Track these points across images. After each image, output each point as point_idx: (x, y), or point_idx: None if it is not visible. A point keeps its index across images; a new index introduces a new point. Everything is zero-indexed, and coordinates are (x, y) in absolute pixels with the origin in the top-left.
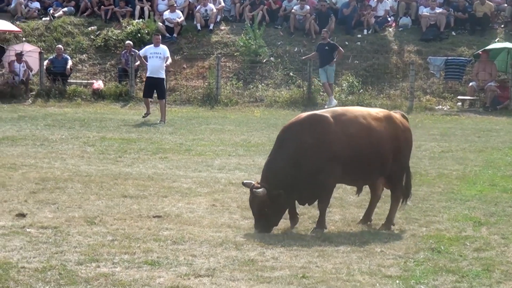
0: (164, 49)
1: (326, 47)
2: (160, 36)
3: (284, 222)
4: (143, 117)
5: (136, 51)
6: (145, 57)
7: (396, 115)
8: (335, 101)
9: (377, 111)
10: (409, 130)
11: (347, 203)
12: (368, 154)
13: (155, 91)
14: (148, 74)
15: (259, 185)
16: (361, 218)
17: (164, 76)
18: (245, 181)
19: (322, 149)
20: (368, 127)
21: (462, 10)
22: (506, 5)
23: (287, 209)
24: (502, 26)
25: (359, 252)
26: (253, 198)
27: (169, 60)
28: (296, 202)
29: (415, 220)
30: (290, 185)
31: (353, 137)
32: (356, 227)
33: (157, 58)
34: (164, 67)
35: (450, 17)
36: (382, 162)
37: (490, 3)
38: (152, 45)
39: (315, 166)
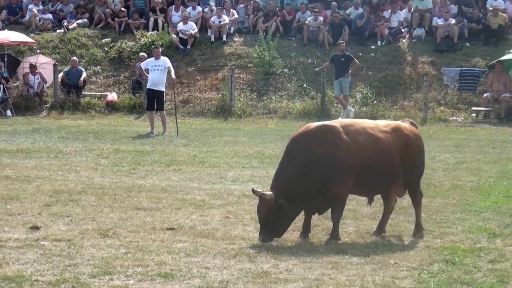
0: (165, 60)
1: (342, 59)
2: (160, 49)
3: (297, 234)
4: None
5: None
6: (147, 70)
7: (405, 124)
8: (353, 110)
9: (385, 124)
10: (420, 138)
11: (360, 214)
12: (377, 164)
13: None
14: (148, 86)
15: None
16: (374, 229)
17: (164, 89)
18: (255, 189)
19: (333, 159)
20: (376, 138)
21: (476, 21)
22: None
23: (293, 221)
24: None
25: (373, 264)
26: (260, 205)
27: (172, 71)
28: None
29: (429, 232)
30: (299, 194)
31: (362, 147)
32: (369, 239)
33: (158, 71)
34: (165, 80)
35: (464, 28)
36: (391, 173)
37: (504, 14)
38: (153, 58)
39: (325, 176)
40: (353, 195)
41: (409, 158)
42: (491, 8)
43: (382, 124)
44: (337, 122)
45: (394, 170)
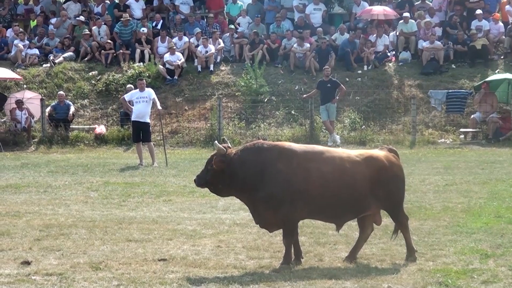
0: (149, 92)
1: (328, 84)
2: (144, 81)
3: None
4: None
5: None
6: (131, 102)
7: (381, 152)
8: (338, 137)
9: (357, 154)
10: (396, 164)
11: (352, 239)
12: (339, 194)
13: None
14: (133, 118)
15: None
16: (346, 255)
17: (149, 121)
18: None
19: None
20: (342, 168)
21: (461, 43)
22: (504, 36)
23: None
24: (502, 57)
25: None
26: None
27: (158, 102)
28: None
29: (421, 255)
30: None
31: (323, 174)
32: (362, 264)
33: (143, 103)
34: (150, 112)
35: (449, 50)
36: (357, 203)
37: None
38: (138, 89)
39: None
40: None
41: (382, 186)
42: (475, 31)
43: (355, 154)
44: (302, 147)
45: (360, 200)
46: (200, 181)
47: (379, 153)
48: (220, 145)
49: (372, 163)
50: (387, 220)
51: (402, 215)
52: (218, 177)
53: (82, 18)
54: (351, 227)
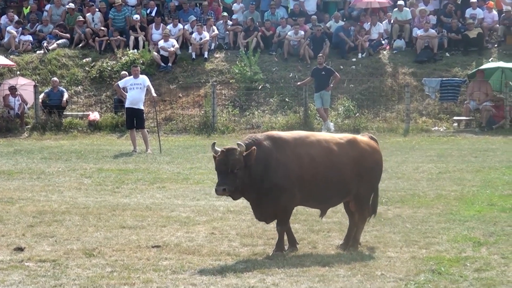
0: (144, 79)
1: (323, 72)
2: (138, 68)
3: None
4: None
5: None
6: (125, 89)
7: (363, 138)
8: (331, 124)
9: (341, 136)
10: (378, 151)
11: (346, 227)
12: (329, 176)
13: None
14: (127, 105)
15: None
16: (340, 243)
17: (143, 107)
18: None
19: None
20: (329, 150)
21: (455, 31)
22: (498, 25)
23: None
24: (496, 45)
25: (359, 275)
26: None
27: (152, 89)
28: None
29: (414, 242)
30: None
31: (314, 159)
32: (355, 251)
33: (137, 89)
34: (144, 99)
35: (443, 38)
36: (343, 185)
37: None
38: (132, 76)
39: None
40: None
41: (364, 171)
42: (471, 20)
43: (338, 136)
44: (289, 134)
45: (346, 182)
46: (231, 187)
47: (361, 137)
48: (241, 142)
49: (356, 145)
50: (380, 208)
51: (368, 207)
52: (243, 178)
53: (72, 5)
54: (344, 215)
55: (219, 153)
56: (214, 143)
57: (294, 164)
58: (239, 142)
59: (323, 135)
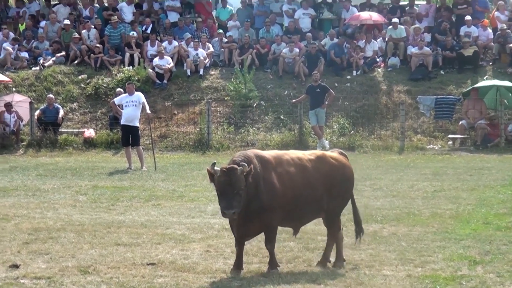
0: (139, 96)
1: (318, 89)
2: (133, 84)
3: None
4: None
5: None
6: (120, 106)
7: (333, 153)
8: (327, 142)
9: (310, 153)
10: (348, 166)
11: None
12: (305, 194)
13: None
14: (122, 122)
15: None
16: (319, 260)
17: (138, 125)
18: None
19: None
20: (303, 167)
21: (449, 49)
22: (493, 43)
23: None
24: (490, 63)
25: None
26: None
27: (147, 106)
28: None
29: (410, 261)
30: None
31: (292, 177)
32: (351, 270)
33: (132, 107)
34: (139, 116)
35: (438, 56)
36: (317, 202)
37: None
38: (127, 93)
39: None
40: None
41: (334, 186)
42: (466, 38)
43: (308, 153)
44: (268, 153)
45: (319, 199)
46: (239, 209)
47: (331, 153)
48: (243, 162)
49: (326, 161)
50: (376, 226)
51: (337, 223)
52: (244, 198)
53: (67, 21)
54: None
55: (219, 173)
56: (214, 163)
57: (279, 182)
58: (242, 162)
59: (294, 152)
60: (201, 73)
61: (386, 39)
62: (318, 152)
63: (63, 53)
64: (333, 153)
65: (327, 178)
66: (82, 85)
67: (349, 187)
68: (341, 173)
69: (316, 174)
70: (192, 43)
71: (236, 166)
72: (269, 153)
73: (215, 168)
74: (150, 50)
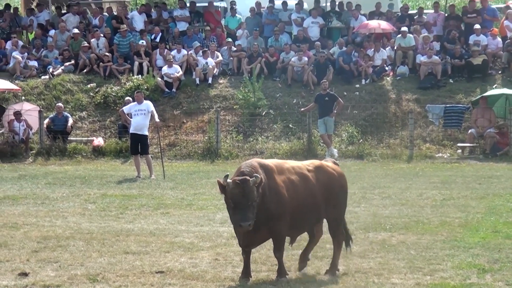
0: (147, 104)
1: (326, 98)
2: (142, 93)
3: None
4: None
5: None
6: (129, 115)
7: (328, 163)
8: (335, 151)
9: (308, 163)
10: (343, 176)
11: (350, 253)
12: (306, 203)
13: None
14: (131, 131)
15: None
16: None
17: (147, 133)
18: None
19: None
20: (304, 176)
21: (458, 57)
22: (502, 52)
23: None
24: (500, 72)
25: None
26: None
27: (156, 115)
28: None
29: (419, 269)
30: None
31: (295, 186)
32: (359, 277)
33: (141, 115)
34: (148, 124)
35: (447, 65)
36: (316, 211)
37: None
38: (136, 102)
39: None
40: None
41: (332, 195)
42: (476, 47)
43: (306, 163)
44: (269, 161)
45: (318, 208)
46: (254, 220)
47: (327, 163)
48: (256, 173)
49: (323, 171)
50: (384, 234)
51: (341, 231)
52: (256, 208)
53: (76, 30)
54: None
55: (233, 185)
56: (227, 175)
57: (283, 191)
58: (255, 174)
59: (294, 162)
60: (210, 81)
61: (395, 48)
62: (316, 162)
63: (72, 61)
64: (329, 163)
65: (326, 187)
66: (91, 94)
67: (345, 195)
68: (338, 183)
69: (316, 183)
70: (201, 51)
71: (248, 178)
72: (271, 161)
73: (228, 180)
74: (159, 58)
